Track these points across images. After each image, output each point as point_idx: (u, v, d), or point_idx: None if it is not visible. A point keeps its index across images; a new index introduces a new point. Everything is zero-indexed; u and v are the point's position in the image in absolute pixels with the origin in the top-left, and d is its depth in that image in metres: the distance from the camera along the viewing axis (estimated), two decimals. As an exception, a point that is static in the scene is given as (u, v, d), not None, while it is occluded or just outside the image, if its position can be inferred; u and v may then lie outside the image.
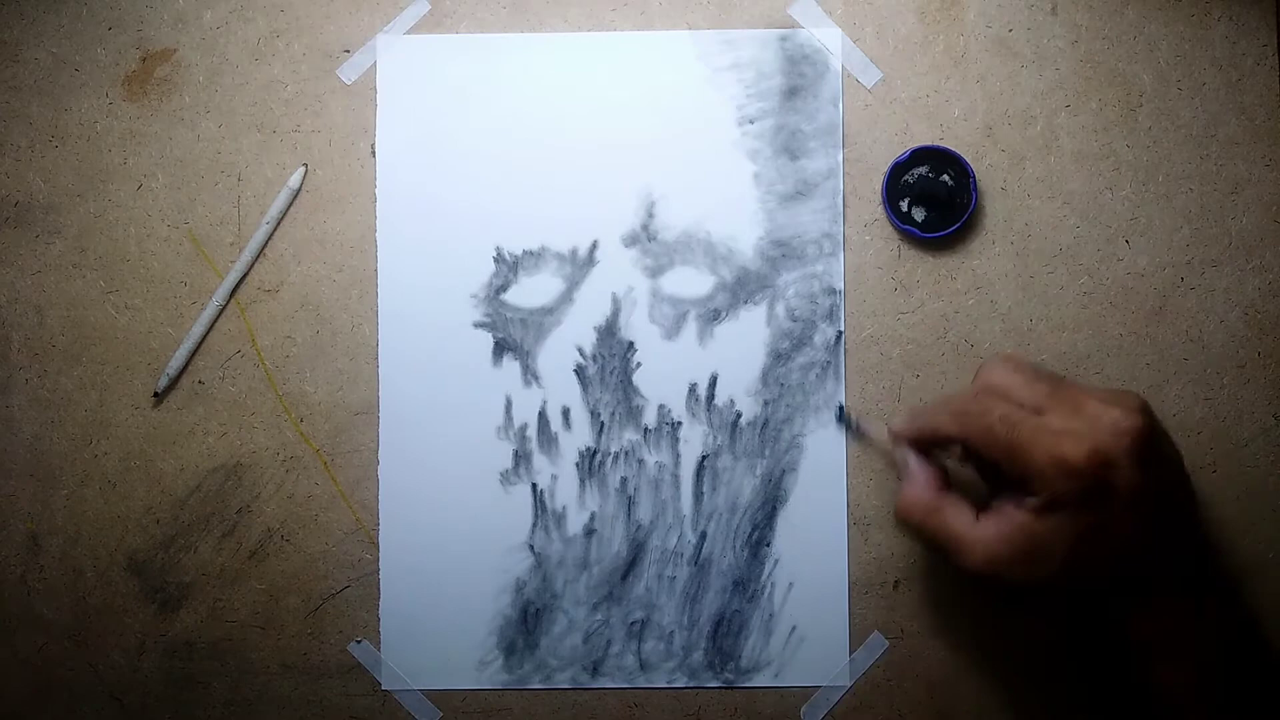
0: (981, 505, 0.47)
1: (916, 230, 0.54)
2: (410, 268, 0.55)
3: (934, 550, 0.48)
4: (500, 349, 0.55)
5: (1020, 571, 0.45)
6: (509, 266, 0.55)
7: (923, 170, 0.54)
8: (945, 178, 0.54)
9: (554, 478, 0.55)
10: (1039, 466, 0.43)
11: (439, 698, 0.55)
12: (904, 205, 0.54)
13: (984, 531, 0.45)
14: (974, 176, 0.54)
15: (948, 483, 0.48)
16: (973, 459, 0.49)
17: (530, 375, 0.55)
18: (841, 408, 0.54)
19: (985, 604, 0.54)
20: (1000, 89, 0.55)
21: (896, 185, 0.54)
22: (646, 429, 0.55)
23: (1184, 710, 0.46)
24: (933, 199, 0.54)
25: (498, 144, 0.55)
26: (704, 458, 0.55)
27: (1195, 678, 0.46)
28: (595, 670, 0.54)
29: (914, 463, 0.49)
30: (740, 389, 0.55)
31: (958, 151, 0.54)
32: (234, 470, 0.55)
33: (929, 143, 0.55)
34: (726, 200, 0.55)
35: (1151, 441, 0.44)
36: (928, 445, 0.49)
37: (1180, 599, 0.46)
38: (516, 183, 0.55)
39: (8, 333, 0.55)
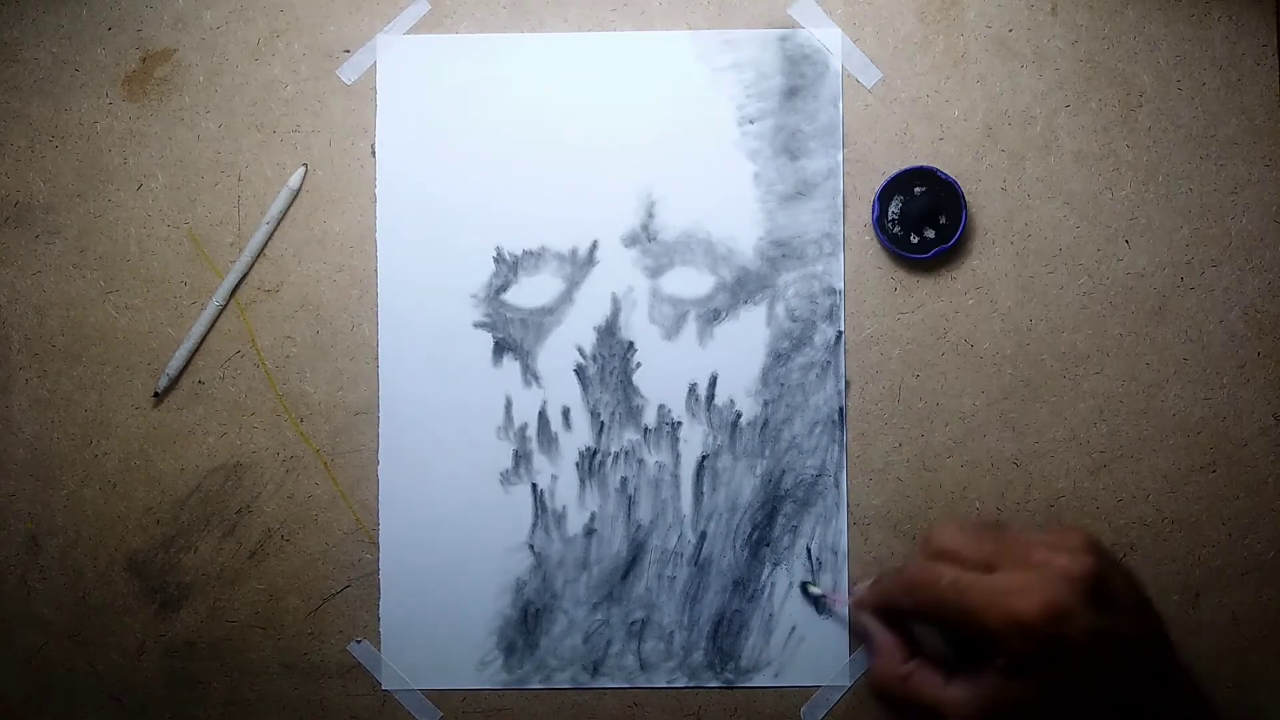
0: (951, 667, 0.46)
1: (909, 253, 0.54)
2: (410, 268, 0.55)
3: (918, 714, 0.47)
4: (500, 349, 0.55)
5: None
6: (509, 266, 0.55)
7: (912, 191, 0.54)
8: (938, 194, 0.54)
9: (554, 478, 0.55)
10: (995, 629, 0.43)
11: (439, 698, 0.55)
12: (895, 226, 0.54)
13: (957, 694, 0.45)
14: (963, 195, 0.54)
15: (915, 648, 0.48)
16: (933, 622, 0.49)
17: (530, 375, 0.55)
18: (805, 585, 0.54)
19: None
20: (1000, 89, 0.55)
21: (886, 208, 0.54)
22: (646, 429, 0.55)
23: None
24: (925, 218, 0.54)
25: (498, 144, 0.55)
26: (704, 458, 0.55)
27: None
28: (595, 670, 0.54)
29: (879, 633, 0.49)
30: (740, 389, 0.55)
31: (944, 171, 0.54)
32: (234, 470, 0.55)
33: (922, 157, 0.55)
34: (726, 200, 0.55)
35: (1104, 581, 0.43)
36: (891, 616, 0.49)
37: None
38: (516, 183, 0.55)
39: (8, 333, 0.55)
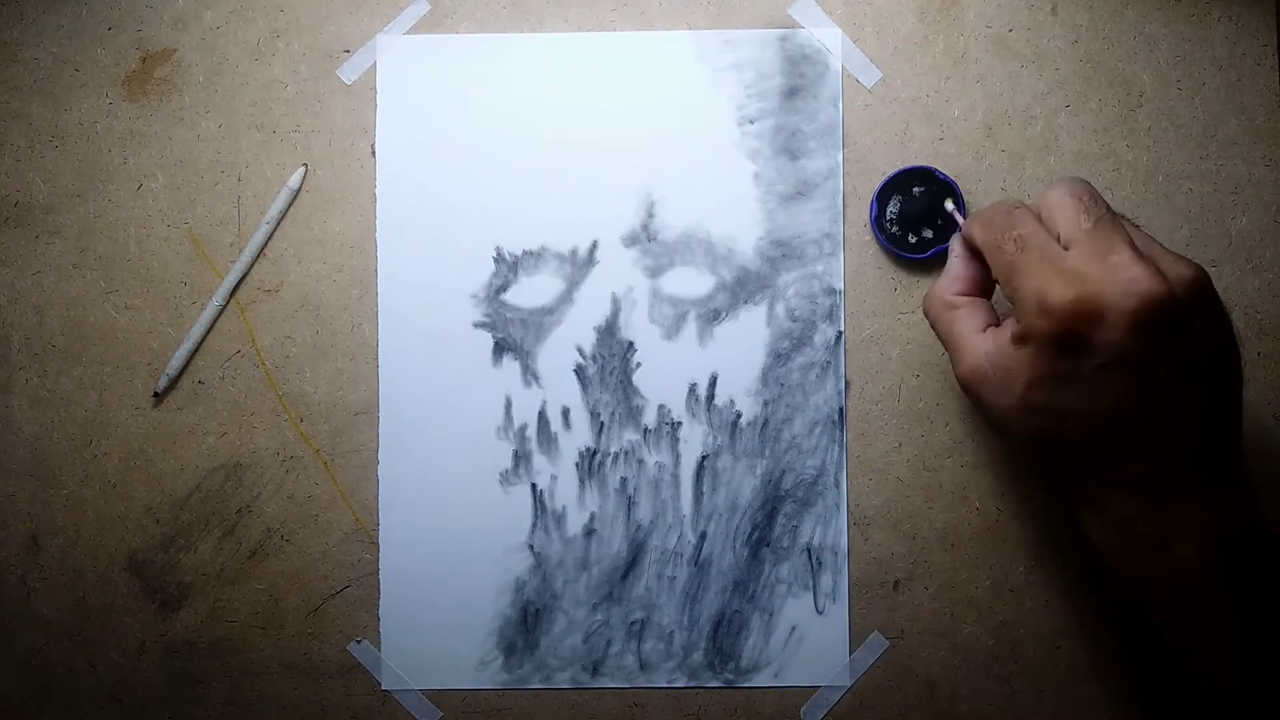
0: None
1: (906, 253, 0.54)
2: (410, 268, 0.55)
3: (945, 347, 0.46)
4: (500, 349, 0.55)
5: (987, 394, 0.43)
6: (509, 266, 0.55)
7: (910, 191, 0.54)
8: (937, 195, 0.54)
9: (554, 478, 0.55)
10: (1021, 295, 0.41)
11: (439, 698, 0.55)
12: (893, 226, 0.54)
13: (978, 343, 0.44)
14: (961, 195, 0.54)
15: (985, 289, 0.46)
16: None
17: (530, 375, 0.55)
18: (952, 213, 0.52)
19: (985, 603, 0.54)
20: (1000, 89, 0.55)
21: (885, 208, 0.54)
22: (646, 429, 0.55)
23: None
24: (923, 219, 0.54)
25: (498, 144, 0.55)
26: (704, 458, 0.55)
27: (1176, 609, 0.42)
28: (595, 670, 0.54)
29: (957, 258, 0.47)
30: (740, 389, 0.55)
31: (943, 171, 0.54)
32: (234, 470, 0.55)
33: (922, 157, 0.55)
34: (726, 200, 0.55)
35: (1171, 314, 0.39)
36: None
37: (1147, 502, 0.41)
38: (516, 183, 0.55)
39: (8, 333, 0.55)
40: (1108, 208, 0.43)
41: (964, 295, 0.46)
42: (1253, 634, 0.42)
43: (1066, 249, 0.42)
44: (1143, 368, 0.40)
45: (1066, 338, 0.40)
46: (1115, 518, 0.42)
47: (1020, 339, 0.42)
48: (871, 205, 0.54)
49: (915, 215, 0.54)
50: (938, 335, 0.47)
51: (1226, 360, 0.42)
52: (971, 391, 0.44)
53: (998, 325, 0.45)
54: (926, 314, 0.48)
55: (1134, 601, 0.43)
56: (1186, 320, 0.40)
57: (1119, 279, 0.39)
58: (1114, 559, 0.43)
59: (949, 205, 0.53)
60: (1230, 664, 0.42)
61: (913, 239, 0.54)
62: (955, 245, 0.48)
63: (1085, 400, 0.41)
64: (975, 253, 0.46)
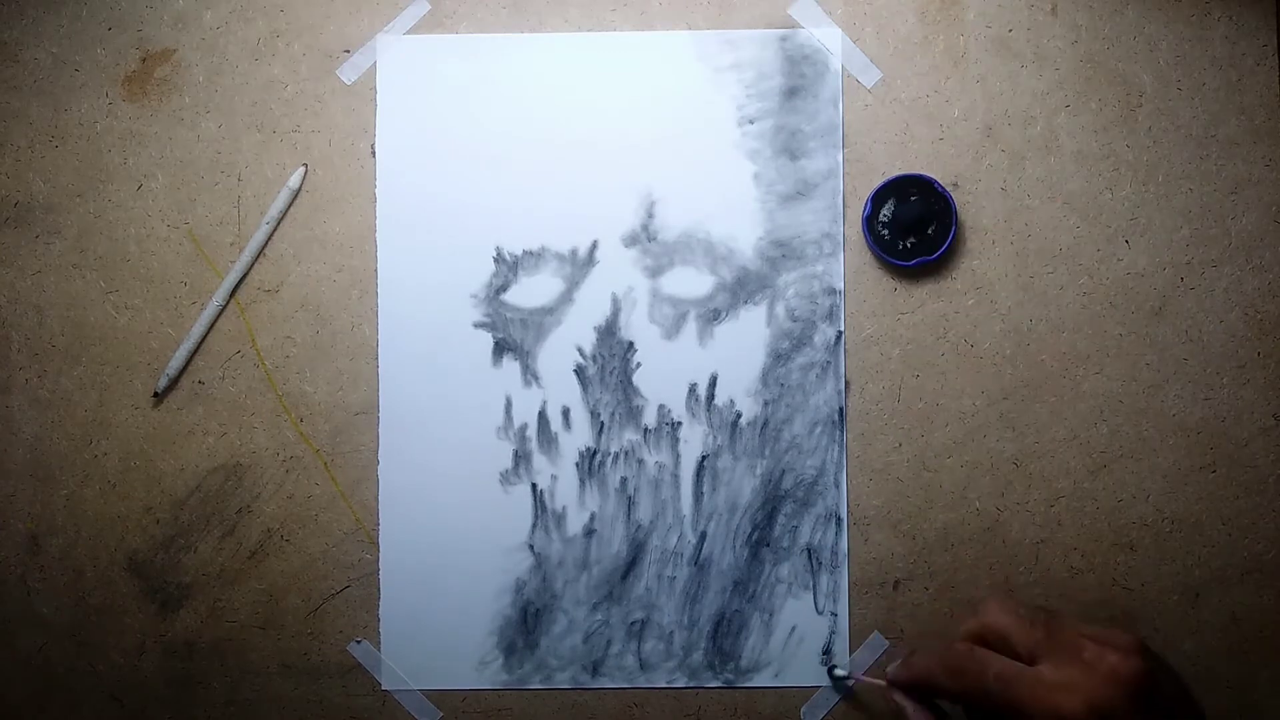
0: None
1: (892, 258, 0.54)
2: (410, 268, 0.55)
3: None
4: (500, 349, 0.55)
5: None
6: (509, 266, 0.55)
7: (907, 197, 0.54)
8: (931, 204, 0.54)
9: (554, 478, 0.55)
10: None
11: (439, 698, 0.55)
12: (884, 230, 0.54)
13: None
14: (955, 211, 0.54)
15: None
16: (964, 705, 0.48)
17: (530, 375, 0.55)
18: (831, 670, 0.54)
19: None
20: (1000, 89, 0.55)
21: (879, 209, 0.54)
22: (646, 429, 0.55)
23: None
24: (914, 226, 0.54)
25: (498, 144, 0.55)
26: (704, 458, 0.55)
27: None
28: (595, 670, 0.54)
29: (911, 711, 0.49)
30: (740, 389, 0.55)
31: (941, 181, 0.54)
32: (234, 470, 0.55)
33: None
34: (726, 200, 0.55)
35: (1150, 685, 0.43)
36: (922, 693, 0.49)
37: None
38: (516, 183, 0.55)
39: (8, 333, 0.55)
40: (1039, 608, 0.47)
41: None
42: None
43: (1032, 663, 0.45)
44: None
45: None
46: None
47: None
48: (865, 205, 0.54)
49: (908, 222, 0.54)
50: None
51: (1189, 698, 0.46)
52: None
53: None
54: None
55: None
56: (1155, 680, 0.44)
57: (1101, 674, 0.43)
58: None
59: (840, 673, 0.54)
60: None
61: (900, 245, 0.54)
62: (899, 698, 0.49)
63: None
64: (922, 696, 0.49)
